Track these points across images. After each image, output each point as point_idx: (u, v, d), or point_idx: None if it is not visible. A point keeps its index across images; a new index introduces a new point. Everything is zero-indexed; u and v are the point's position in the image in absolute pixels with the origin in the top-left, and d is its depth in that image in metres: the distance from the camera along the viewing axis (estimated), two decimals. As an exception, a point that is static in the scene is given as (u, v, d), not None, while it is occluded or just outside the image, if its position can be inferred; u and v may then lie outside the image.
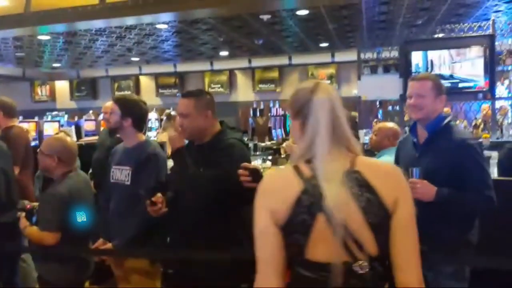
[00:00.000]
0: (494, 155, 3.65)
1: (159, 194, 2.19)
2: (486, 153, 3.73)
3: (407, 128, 5.39)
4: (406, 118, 5.77)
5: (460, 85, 5.11)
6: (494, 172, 3.16)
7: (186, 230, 2.22)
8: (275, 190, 1.13)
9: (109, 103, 3.99)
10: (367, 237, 1.06)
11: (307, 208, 1.06)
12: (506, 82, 5.47)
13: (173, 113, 5.45)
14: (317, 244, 1.06)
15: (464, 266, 2.12)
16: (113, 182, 2.50)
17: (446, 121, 2.15)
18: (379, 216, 1.07)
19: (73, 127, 7.84)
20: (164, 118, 5.41)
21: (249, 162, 2.09)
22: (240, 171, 1.87)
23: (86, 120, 8.45)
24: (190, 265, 2.18)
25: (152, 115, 9.65)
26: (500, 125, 5.38)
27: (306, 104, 1.14)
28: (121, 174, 2.45)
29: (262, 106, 11.34)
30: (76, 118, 10.30)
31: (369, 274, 1.06)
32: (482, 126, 5.50)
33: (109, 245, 2.35)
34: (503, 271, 2.33)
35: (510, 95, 5.47)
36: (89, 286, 3.81)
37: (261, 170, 1.84)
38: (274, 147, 6.27)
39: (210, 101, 2.23)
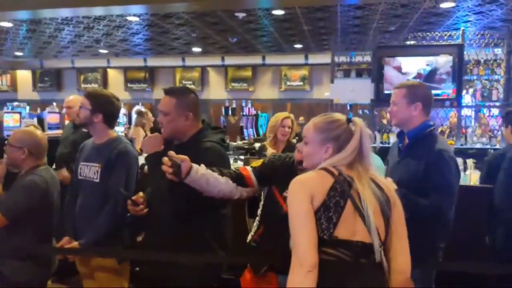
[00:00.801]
0: (460, 161, 3.76)
1: (140, 193, 2.13)
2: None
3: (376, 133, 5.52)
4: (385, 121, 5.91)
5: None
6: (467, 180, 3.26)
7: (155, 230, 2.16)
8: (312, 180, 1.40)
9: (72, 97, 3.87)
10: (380, 225, 1.38)
11: (339, 193, 1.35)
12: (471, 90, 5.66)
13: (143, 109, 5.36)
14: (344, 225, 1.33)
15: (430, 270, 2.16)
16: (80, 179, 2.40)
17: (429, 129, 2.18)
18: (387, 211, 1.41)
19: (35, 119, 7.52)
20: (135, 115, 5.32)
21: (223, 166, 2.04)
22: (164, 159, 1.80)
23: (49, 112, 8.05)
24: (159, 265, 2.12)
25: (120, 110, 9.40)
26: (465, 133, 5.56)
27: (345, 133, 1.48)
28: (89, 171, 2.36)
29: (234, 105, 11.28)
30: (38, 110, 9.90)
31: (380, 254, 1.37)
32: (447, 132, 5.66)
33: (75, 244, 2.25)
34: (469, 274, 2.42)
35: (474, 103, 5.67)
36: (52, 284, 3.68)
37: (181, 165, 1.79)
38: (246, 146, 6.22)
39: (193, 102, 2.14)
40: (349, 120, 1.52)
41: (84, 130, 3.50)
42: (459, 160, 3.70)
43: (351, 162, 1.45)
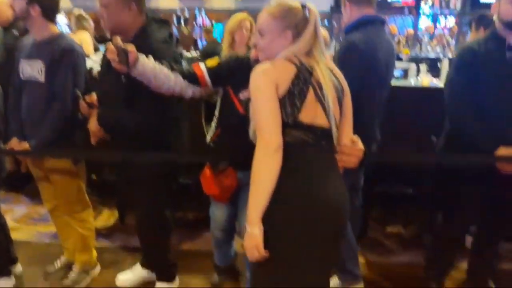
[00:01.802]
0: (413, 67, 3.84)
1: (94, 94, 2.02)
2: (405, 65, 3.93)
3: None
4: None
5: (389, -1, 5.16)
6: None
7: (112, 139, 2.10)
8: (275, 68, 1.40)
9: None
10: (336, 112, 1.46)
11: (303, 81, 1.39)
12: (430, 1, 5.64)
13: (83, 13, 4.89)
14: (307, 111, 1.39)
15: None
16: (24, 80, 2.23)
17: None
18: (341, 98, 1.50)
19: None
20: (74, 19, 4.82)
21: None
22: (109, 47, 1.71)
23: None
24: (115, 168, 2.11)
25: (61, 20, 8.59)
26: (420, 41, 5.63)
27: (302, 21, 1.45)
28: (32, 69, 2.19)
29: (187, 15, 10.69)
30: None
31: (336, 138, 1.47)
32: (404, 42, 5.71)
33: (25, 145, 2.16)
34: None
35: (431, 13, 5.68)
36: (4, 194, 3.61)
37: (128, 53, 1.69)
38: (200, 58, 6.00)
39: None
40: (303, 7, 1.49)
41: (15, 32, 3.23)
42: (413, 66, 3.79)
43: (309, 51, 1.46)
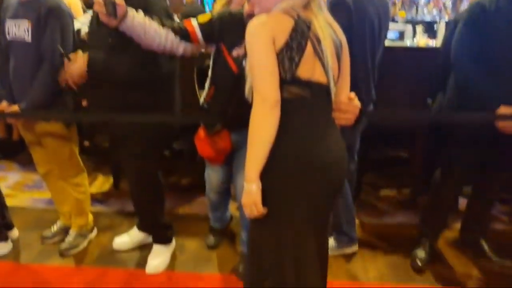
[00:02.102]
0: (409, 28, 3.78)
1: (79, 51, 1.97)
2: (401, 27, 3.87)
3: None
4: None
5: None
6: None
7: (99, 95, 2.06)
8: (272, 21, 1.34)
9: None
10: (335, 67, 1.42)
11: (300, 34, 1.33)
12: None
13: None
14: (305, 66, 1.34)
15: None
16: (10, 41, 2.16)
17: None
18: (340, 53, 1.45)
19: None
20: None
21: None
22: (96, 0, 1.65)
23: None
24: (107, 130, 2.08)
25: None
26: (416, 4, 5.51)
27: None
28: (18, 29, 2.12)
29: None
30: None
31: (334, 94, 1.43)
32: (400, 4, 5.59)
33: (15, 107, 2.12)
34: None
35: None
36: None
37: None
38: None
39: None
40: None
41: None
42: (409, 27, 3.73)
43: (307, 4, 1.40)
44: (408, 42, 3.38)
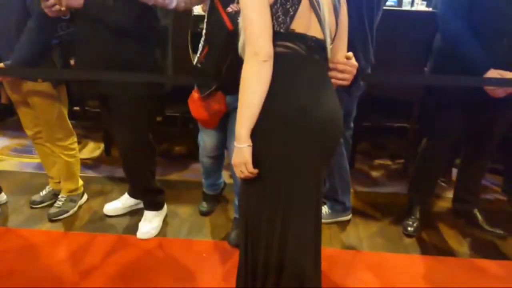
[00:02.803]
0: None
1: None
2: None
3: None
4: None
5: None
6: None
7: (88, 50, 1.97)
8: None
9: None
10: (332, 24, 1.37)
11: None
12: None
13: None
14: (300, 20, 1.28)
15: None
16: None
17: None
18: (338, 10, 1.39)
19: None
20: None
21: None
22: None
23: None
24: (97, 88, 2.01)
25: None
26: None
27: None
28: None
29: None
30: None
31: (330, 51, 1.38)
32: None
33: (0, 65, 2.03)
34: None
35: None
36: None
37: None
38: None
39: None
40: None
41: None
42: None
43: None
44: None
